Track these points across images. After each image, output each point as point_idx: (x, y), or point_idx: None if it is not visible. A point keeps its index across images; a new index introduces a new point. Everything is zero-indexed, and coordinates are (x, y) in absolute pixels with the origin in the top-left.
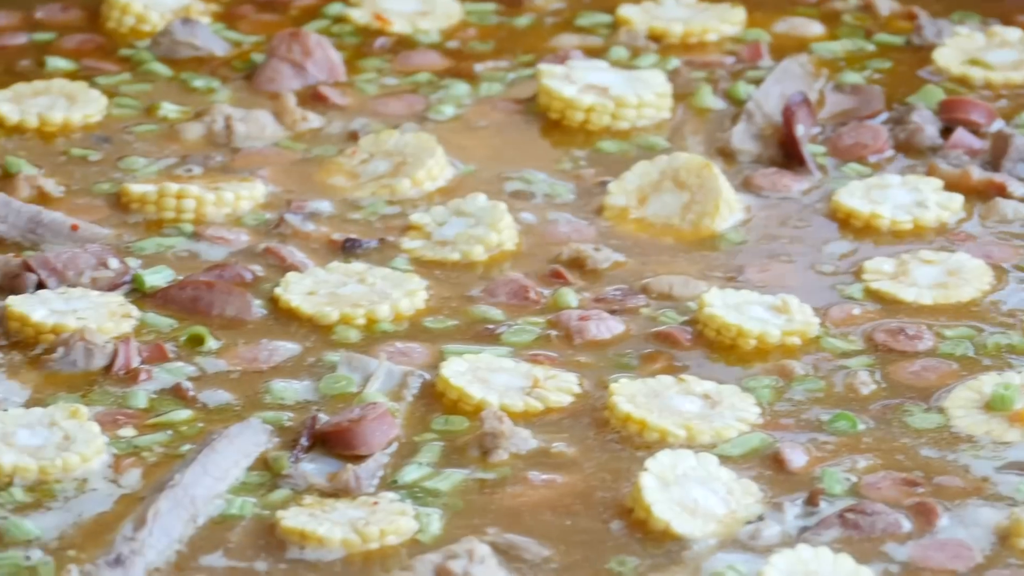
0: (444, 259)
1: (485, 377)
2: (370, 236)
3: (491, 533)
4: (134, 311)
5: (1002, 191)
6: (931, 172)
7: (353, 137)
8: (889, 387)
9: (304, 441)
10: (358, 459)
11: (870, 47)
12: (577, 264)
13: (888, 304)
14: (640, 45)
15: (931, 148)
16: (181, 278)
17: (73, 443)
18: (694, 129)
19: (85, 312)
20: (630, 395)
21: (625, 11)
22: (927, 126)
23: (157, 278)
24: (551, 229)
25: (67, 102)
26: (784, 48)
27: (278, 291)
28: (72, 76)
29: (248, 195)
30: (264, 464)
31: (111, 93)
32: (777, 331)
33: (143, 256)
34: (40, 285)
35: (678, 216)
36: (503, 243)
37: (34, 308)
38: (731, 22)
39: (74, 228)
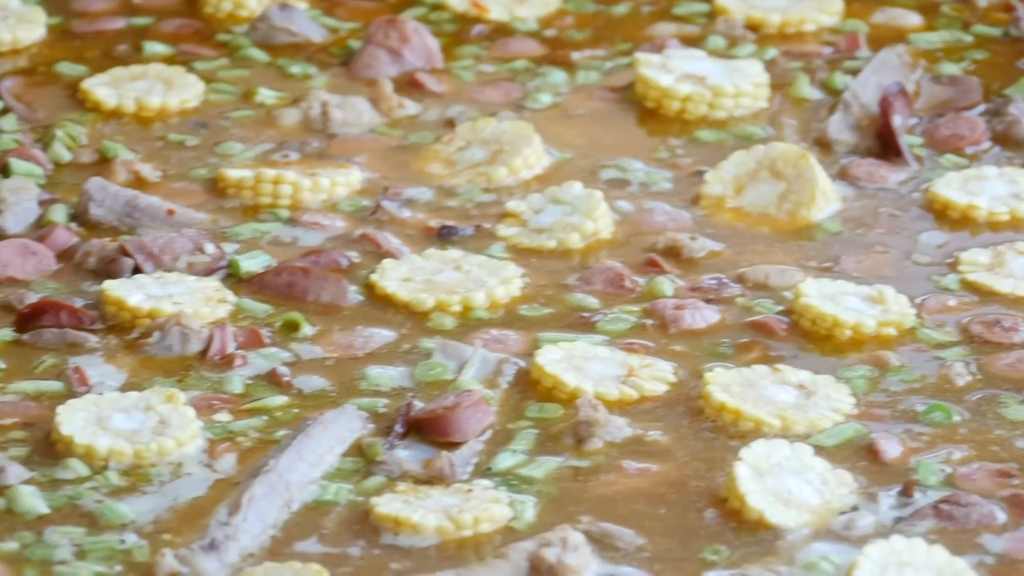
0: (540, 247)
1: (580, 365)
2: (466, 223)
3: (585, 521)
4: (230, 296)
5: None
6: None
7: (450, 124)
8: (984, 378)
9: (399, 428)
10: (452, 446)
11: (967, 38)
12: (673, 253)
13: (984, 295)
14: (738, 34)
15: None
16: (277, 264)
17: (168, 427)
18: (791, 119)
19: (181, 297)
20: (725, 384)
21: (723, 0)
22: None
23: (253, 263)
24: (647, 218)
25: (164, 87)
26: (882, 38)
27: (374, 277)
28: (169, 61)
29: (344, 181)
30: (359, 450)
31: (208, 78)
32: (873, 321)
33: (239, 241)
34: (136, 270)
35: (774, 206)
36: (599, 231)
37: (130, 292)
38: (829, 12)
39: (170, 213)
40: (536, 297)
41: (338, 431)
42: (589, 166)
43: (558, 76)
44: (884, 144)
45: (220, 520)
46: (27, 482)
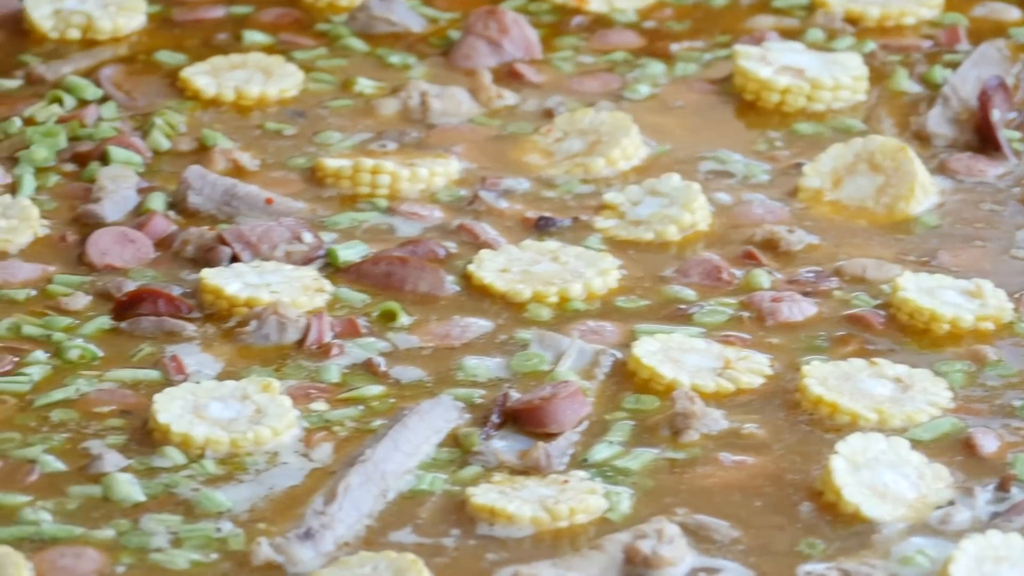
0: (637, 239)
1: (677, 357)
2: (564, 214)
3: (680, 513)
4: (327, 285)
5: None
6: None
7: (548, 115)
8: None
9: (495, 418)
10: (549, 437)
11: None
12: (770, 245)
13: None
14: (837, 27)
15: None
16: (374, 253)
17: (265, 416)
18: (889, 112)
19: (278, 286)
20: (822, 377)
21: None
22: None
23: (351, 253)
24: (745, 210)
25: (263, 76)
26: (982, 32)
27: (471, 268)
28: (269, 50)
29: (442, 171)
30: (455, 440)
31: (307, 68)
32: (970, 316)
33: (337, 230)
34: (234, 258)
35: (872, 199)
36: (696, 223)
37: (228, 281)
38: (929, 6)
39: (268, 202)
40: (633, 289)
41: (434, 421)
42: (687, 158)
43: (657, 67)
44: (983, 138)
45: (316, 509)
46: (124, 470)
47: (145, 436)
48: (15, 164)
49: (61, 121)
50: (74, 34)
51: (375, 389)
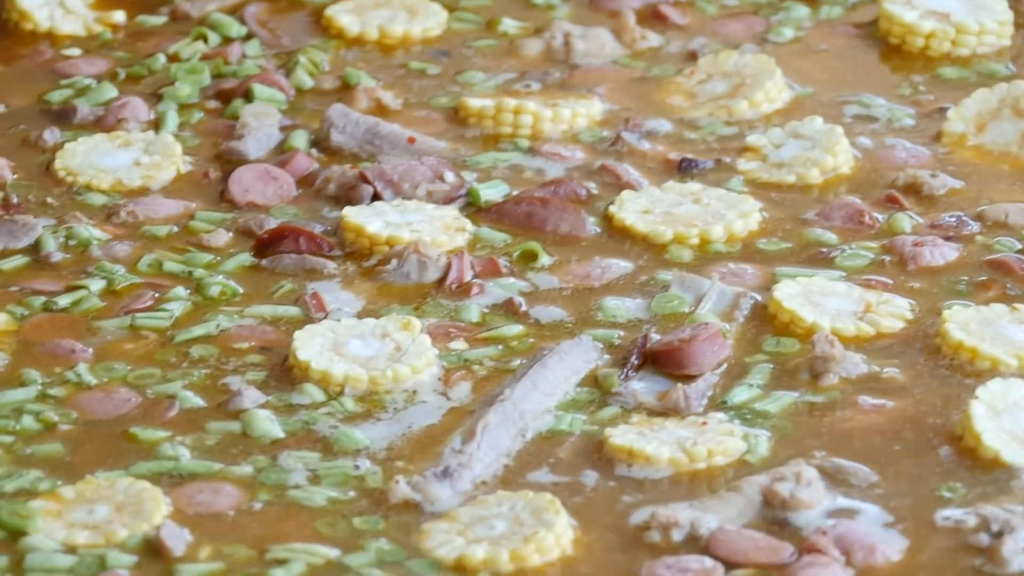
0: (779, 181)
1: (817, 300)
2: (706, 156)
3: (819, 456)
4: (468, 225)
5: None
6: None
7: (692, 57)
8: None
9: (635, 359)
10: (688, 379)
11: None
12: (913, 190)
13: None
14: None
15: None
16: (516, 193)
17: (404, 355)
18: None
19: (420, 225)
20: (962, 323)
21: None
22: None
23: (492, 193)
24: (888, 154)
25: (407, 15)
26: None
27: (612, 209)
28: None
29: (585, 112)
30: (594, 381)
31: (451, 7)
32: None
33: (479, 170)
34: (376, 197)
35: (1016, 144)
36: (839, 167)
37: (369, 219)
38: None
39: (411, 141)
40: (774, 231)
41: (574, 362)
42: (830, 101)
43: (801, 10)
44: None
45: (454, 448)
46: (263, 406)
47: (284, 373)
48: (159, 101)
49: (205, 58)
50: None
51: (515, 329)
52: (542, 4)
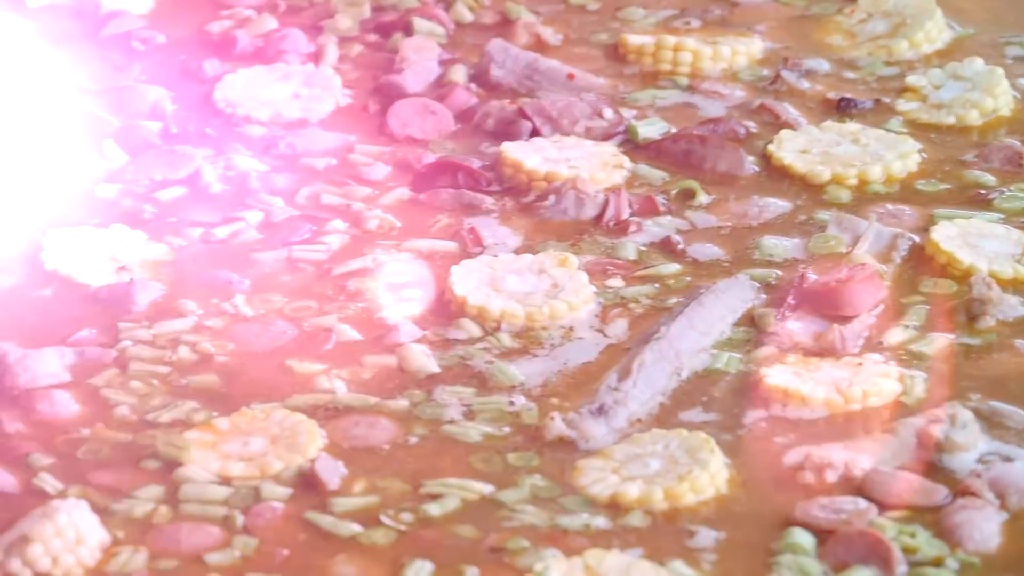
0: (939, 122)
1: (975, 242)
2: (865, 96)
3: (974, 399)
4: (626, 162)
5: None
6: None
7: None
8: None
9: (791, 299)
10: (844, 319)
11: None
12: None
13: None
14: None
15: None
16: (675, 131)
17: (561, 291)
18: None
19: (578, 161)
20: None
21: None
22: None
23: (651, 130)
24: None
25: None
26: None
27: (771, 148)
28: None
29: (745, 51)
30: (750, 320)
31: None
32: None
33: (637, 107)
34: (534, 132)
35: None
36: (999, 108)
37: (528, 155)
38: None
39: (570, 77)
40: (933, 173)
41: (730, 301)
42: (991, 42)
43: None
44: None
45: (610, 385)
46: (419, 341)
47: (441, 308)
48: (319, 33)
49: None
50: None
51: (672, 267)
52: None
